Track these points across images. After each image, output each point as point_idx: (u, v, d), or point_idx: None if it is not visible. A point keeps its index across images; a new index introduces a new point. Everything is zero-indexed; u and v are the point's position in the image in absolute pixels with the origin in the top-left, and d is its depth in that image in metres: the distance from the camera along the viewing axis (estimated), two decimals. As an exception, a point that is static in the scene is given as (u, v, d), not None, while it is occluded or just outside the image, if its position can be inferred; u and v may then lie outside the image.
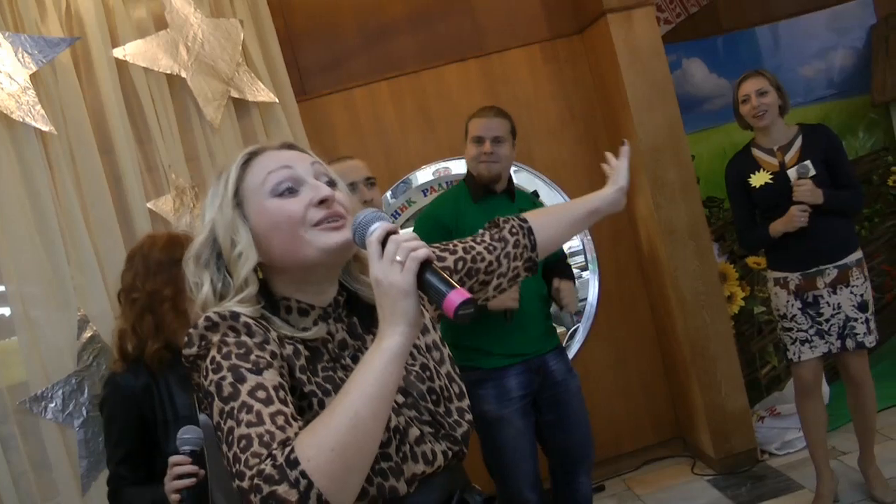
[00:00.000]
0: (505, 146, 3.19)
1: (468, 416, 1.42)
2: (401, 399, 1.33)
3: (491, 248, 1.60)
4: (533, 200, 3.50)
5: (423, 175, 4.37)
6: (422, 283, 1.17)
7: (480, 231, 1.69)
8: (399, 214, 4.48)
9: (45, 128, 3.10)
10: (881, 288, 4.81)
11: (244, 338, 1.22)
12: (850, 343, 3.38)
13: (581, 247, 4.42)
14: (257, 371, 1.18)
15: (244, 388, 1.16)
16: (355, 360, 1.35)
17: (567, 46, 4.34)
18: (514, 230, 1.66)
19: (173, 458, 2.03)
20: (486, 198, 3.22)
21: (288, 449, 1.08)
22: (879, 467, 3.51)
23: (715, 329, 4.05)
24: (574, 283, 3.34)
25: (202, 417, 1.32)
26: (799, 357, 3.42)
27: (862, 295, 3.39)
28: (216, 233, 1.34)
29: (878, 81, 4.74)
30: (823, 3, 4.81)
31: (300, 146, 1.42)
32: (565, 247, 3.73)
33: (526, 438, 3.15)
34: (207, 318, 1.24)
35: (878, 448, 3.58)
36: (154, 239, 2.39)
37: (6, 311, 3.11)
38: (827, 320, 3.38)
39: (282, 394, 1.18)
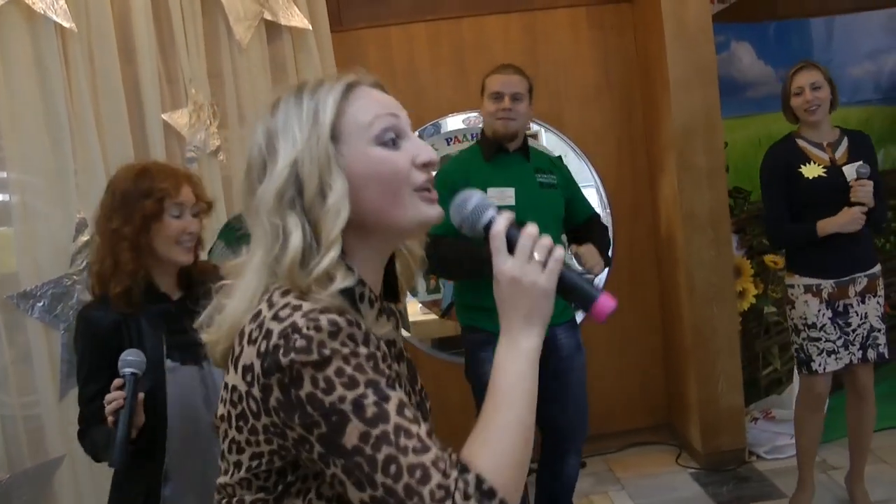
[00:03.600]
0: (523, 104, 3.12)
1: None
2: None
3: None
4: (553, 162, 3.40)
5: (454, 122, 4.27)
6: (563, 285, 1.10)
7: None
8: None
9: (66, 24, 3.01)
10: (897, 306, 4.68)
11: (362, 348, 1.02)
12: (871, 354, 3.29)
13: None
14: (393, 386, 1.03)
15: (391, 408, 1.00)
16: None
17: (615, 13, 4.21)
18: None
19: (115, 382, 1.94)
20: (498, 156, 3.16)
21: (472, 477, 0.99)
22: (867, 488, 3.43)
23: (721, 322, 3.96)
24: (604, 244, 3.25)
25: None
26: (824, 369, 3.29)
27: (883, 306, 3.30)
28: (301, 172, 1.08)
29: (929, 92, 4.55)
30: (884, 3, 4.61)
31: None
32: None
33: None
34: (333, 323, 1.01)
35: (870, 468, 3.50)
36: (127, 169, 2.22)
37: (6, 197, 3.05)
38: (854, 330, 3.28)
39: (413, 411, 1.04)
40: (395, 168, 1.11)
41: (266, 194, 1.09)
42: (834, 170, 3.21)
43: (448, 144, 4.27)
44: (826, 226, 3.19)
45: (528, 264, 1.08)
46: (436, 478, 0.97)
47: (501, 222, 1.11)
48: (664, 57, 3.84)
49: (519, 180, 3.12)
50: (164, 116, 3.29)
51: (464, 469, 0.99)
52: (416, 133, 4.15)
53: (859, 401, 3.39)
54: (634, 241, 4.31)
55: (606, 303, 1.08)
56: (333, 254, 1.06)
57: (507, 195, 3.07)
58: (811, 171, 3.23)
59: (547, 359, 3.11)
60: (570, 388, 3.17)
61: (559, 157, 3.64)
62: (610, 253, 3.54)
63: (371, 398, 0.99)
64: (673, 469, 4.09)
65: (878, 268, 3.30)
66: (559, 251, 1.10)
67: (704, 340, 3.99)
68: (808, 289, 3.31)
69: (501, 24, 4.18)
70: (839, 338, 3.27)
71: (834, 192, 3.18)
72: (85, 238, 3.05)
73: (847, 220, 3.16)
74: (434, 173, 1.16)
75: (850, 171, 3.17)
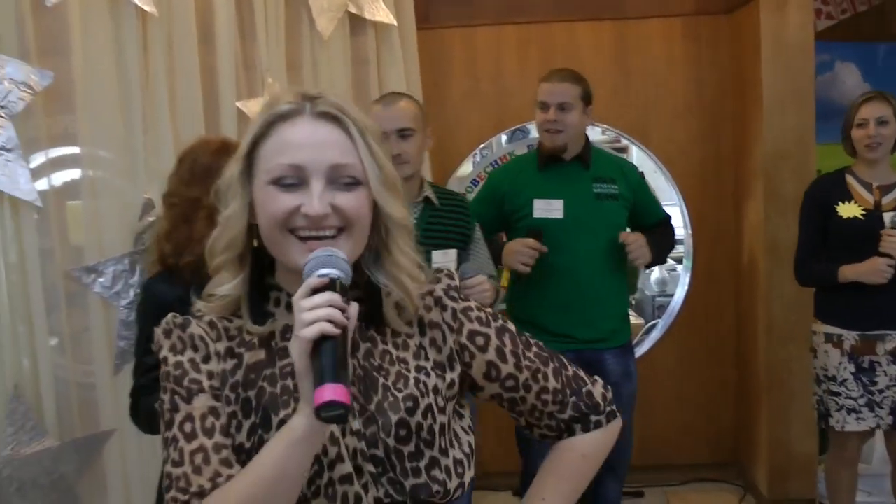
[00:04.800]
0: (572, 113, 2.94)
1: (446, 480, 1.19)
2: (355, 425, 1.14)
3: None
4: (621, 168, 3.16)
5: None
6: (315, 357, 1.01)
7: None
8: (498, 164, 4.31)
9: (147, 8, 3.04)
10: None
11: (181, 357, 1.17)
12: None
13: (681, 237, 4.14)
14: (188, 398, 1.14)
15: (177, 419, 1.14)
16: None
17: (711, 25, 4.01)
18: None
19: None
20: (552, 166, 3.02)
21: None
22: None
23: (799, 364, 3.71)
24: (661, 241, 3.12)
25: None
26: (843, 427, 3.07)
27: None
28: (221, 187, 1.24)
29: None
30: None
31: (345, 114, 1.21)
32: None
33: None
34: (167, 322, 1.20)
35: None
36: (207, 143, 2.24)
37: (77, 172, 3.11)
38: (881, 391, 3.02)
39: (210, 421, 1.14)
40: (275, 210, 1.14)
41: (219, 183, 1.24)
42: (873, 214, 2.96)
43: (528, 150, 4.15)
44: (847, 272, 2.97)
45: (294, 338, 1.04)
46: (173, 492, 1.10)
47: (299, 292, 1.08)
48: (759, 74, 3.64)
49: (571, 191, 2.99)
50: (238, 104, 3.31)
51: (199, 496, 1.09)
52: (503, 136, 4.11)
53: None
54: (714, 266, 4.10)
55: (323, 394, 0.98)
56: (221, 258, 1.19)
57: (555, 207, 2.95)
58: (848, 210, 3.01)
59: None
60: None
61: (630, 165, 3.42)
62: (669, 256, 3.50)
63: (167, 405, 1.15)
64: (734, 511, 3.88)
65: None
66: (312, 329, 1.01)
67: (780, 380, 3.75)
68: (829, 338, 3.09)
69: (592, 30, 4.04)
70: (862, 396, 3.03)
71: (868, 237, 2.94)
72: (151, 219, 3.10)
73: (868, 270, 2.92)
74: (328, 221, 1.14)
75: (889, 218, 2.92)
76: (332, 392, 0.97)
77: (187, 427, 1.12)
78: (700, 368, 4.15)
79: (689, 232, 4.10)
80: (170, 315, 1.21)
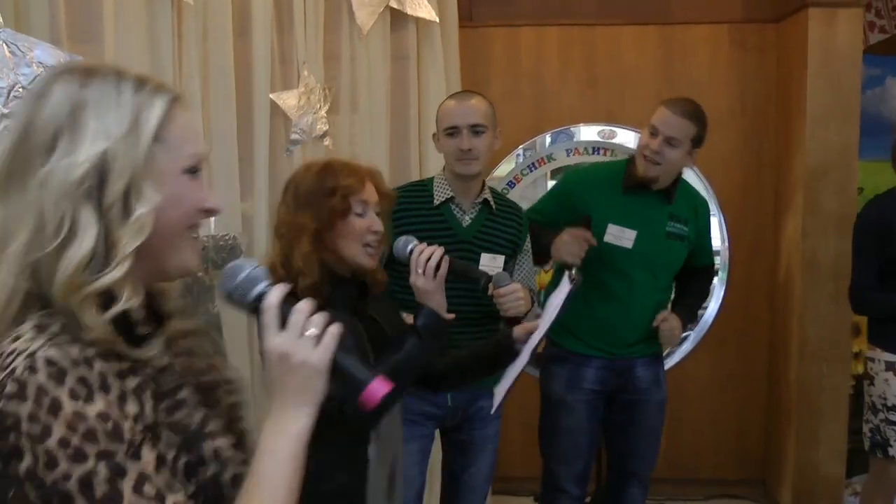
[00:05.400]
0: (677, 151, 2.78)
1: None
2: None
3: None
4: (696, 210, 3.05)
5: (588, 132, 4.06)
6: (333, 365, 1.02)
7: None
8: (535, 168, 4.26)
9: (182, -2, 3.07)
10: None
11: (99, 401, 0.88)
12: None
13: (717, 249, 4.05)
14: (135, 453, 0.90)
15: (126, 488, 0.87)
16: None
17: (758, 33, 3.92)
18: None
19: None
20: (635, 191, 2.87)
21: None
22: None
23: (831, 383, 3.63)
24: (696, 302, 3.16)
25: None
26: None
27: None
28: (108, 167, 0.94)
29: None
30: None
31: None
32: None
33: (585, 432, 2.95)
34: (50, 362, 0.87)
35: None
36: (307, 167, 2.15)
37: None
38: None
39: (163, 470, 0.93)
40: (189, 202, 1.01)
41: (60, 172, 0.93)
42: None
43: (567, 155, 4.10)
44: None
45: (300, 340, 1.00)
46: None
47: (274, 295, 1.03)
48: (804, 86, 3.55)
49: (647, 224, 2.87)
50: (271, 96, 3.31)
51: None
52: (548, 137, 4.05)
53: None
54: (751, 281, 4.02)
55: (377, 389, 1.00)
56: (120, 271, 0.93)
57: (627, 237, 2.85)
58: None
59: (621, 391, 2.91)
60: (642, 422, 2.98)
61: (705, 205, 3.23)
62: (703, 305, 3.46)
63: (103, 475, 0.86)
64: (756, 530, 3.80)
65: None
66: (335, 328, 1.01)
67: (810, 399, 3.67)
68: (889, 366, 2.98)
69: (636, 35, 3.98)
70: None
71: None
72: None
73: None
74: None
75: None
76: (384, 384, 1.02)
77: (148, 490, 0.89)
78: (731, 383, 4.07)
79: (726, 245, 4.01)
80: (50, 353, 0.90)
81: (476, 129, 2.56)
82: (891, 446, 3.01)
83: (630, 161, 2.94)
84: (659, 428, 3.06)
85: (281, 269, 2.06)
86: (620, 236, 2.86)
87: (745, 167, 3.97)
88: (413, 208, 2.56)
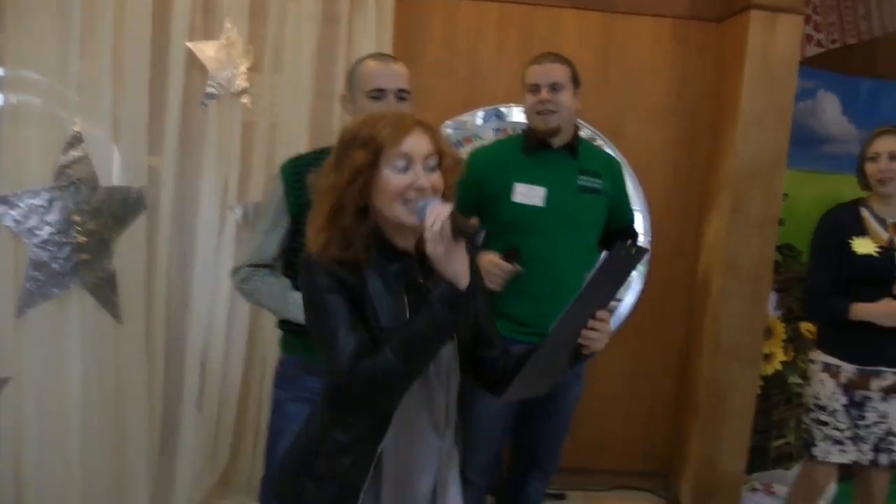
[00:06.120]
0: (564, 94, 2.83)
1: None
2: None
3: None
4: (609, 165, 3.04)
5: (520, 114, 3.97)
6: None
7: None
8: (462, 145, 4.16)
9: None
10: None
11: None
12: (883, 459, 3.02)
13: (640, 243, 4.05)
14: None
15: None
16: None
17: (701, 31, 3.90)
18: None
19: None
20: (539, 152, 2.88)
21: None
22: None
23: (740, 382, 3.68)
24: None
25: None
26: (825, 457, 3.07)
27: None
28: None
29: None
30: None
31: None
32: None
33: (500, 421, 2.90)
34: None
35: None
36: (357, 118, 1.87)
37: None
38: (868, 427, 3.01)
39: None
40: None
41: None
42: (888, 253, 2.92)
43: (494, 135, 4.01)
44: (859, 311, 2.94)
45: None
46: None
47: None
48: (740, 88, 3.55)
49: (555, 180, 2.85)
50: (189, 45, 3.12)
51: None
52: (479, 114, 3.93)
53: None
54: (670, 277, 4.03)
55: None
56: None
57: (536, 194, 2.81)
58: (862, 246, 2.96)
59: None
60: (553, 417, 2.96)
61: (618, 163, 3.26)
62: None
63: None
64: (655, 523, 3.84)
65: None
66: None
67: (718, 397, 3.71)
68: (826, 367, 3.07)
69: (578, 19, 3.89)
70: (849, 429, 3.02)
71: (881, 276, 2.91)
72: (78, 154, 2.91)
73: (881, 313, 2.91)
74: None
75: None
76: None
77: None
78: (642, 377, 4.09)
79: (650, 239, 4.02)
80: None
81: (402, 95, 2.46)
82: (815, 446, 3.08)
83: (526, 128, 2.97)
84: (568, 424, 3.05)
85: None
86: (530, 194, 2.82)
87: (675, 164, 3.97)
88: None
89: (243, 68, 3.23)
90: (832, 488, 3.67)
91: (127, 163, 3.05)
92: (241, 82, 3.22)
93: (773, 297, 3.79)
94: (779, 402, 4.04)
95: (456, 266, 1.56)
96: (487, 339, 1.86)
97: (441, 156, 1.71)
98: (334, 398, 1.69)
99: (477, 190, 2.83)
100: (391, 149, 1.65)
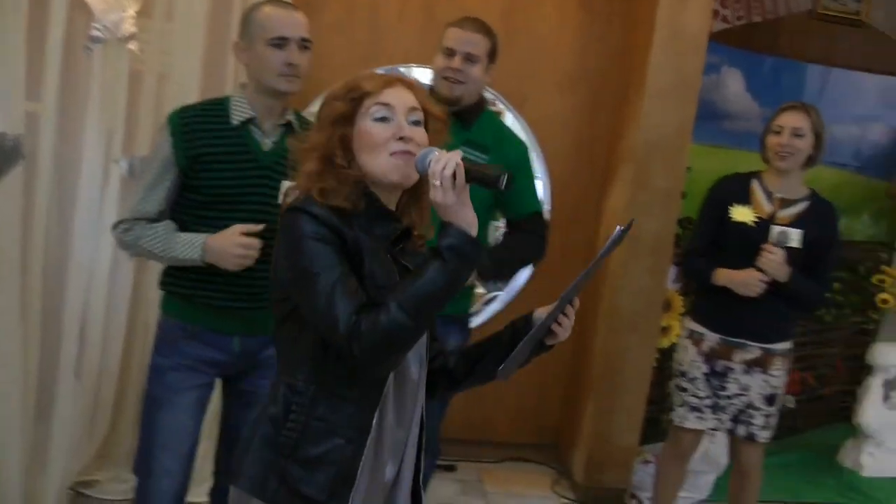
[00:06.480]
0: (477, 67, 2.71)
1: None
2: None
3: None
4: (504, 141, 2.86)
5: (420, 75, 3.82)
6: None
7: None
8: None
9: None
10: (823, 379, 4.52)
11: None
12: (741, 430, 3.08)
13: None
14: None
15: None
16: None
17: (608, 1, 3.85)
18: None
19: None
20: None
21: None
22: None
23: (636, 355, 3.70)
24: (496, 270, 2.86)
25: None
26: (681, 423, 3.13)
27: (776, 387, 3.05)
28: None
29: (904, 173, 4.37)
30: (888, 69, 4.36)
31: None
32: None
33: None
34: None
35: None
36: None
37: None
38: (728, 398, 3.06)
39: None
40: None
41: None
42: (764, 225, 2.95)
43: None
44: (721, 277, 2.99)
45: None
46: None
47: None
48: (647, 61, 3.52)
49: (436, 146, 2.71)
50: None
51: None
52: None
53: (742, 477, 3.20)
54: (568, 247, 3.96)
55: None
56: None
57: None
58: (741, 214, 2.98)
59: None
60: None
61: (516, 140, 3.11)
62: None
63: None
64: (546, 494, 3.83)
65: (780, 346, 3.04)
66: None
67: (613, 370, 3.72)
68: (690, 334, 3.13)
69: (484, -19, 3.78)
70: (708, 398, 3.08)
71: (752, 246, 2.93)
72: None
73: (741, 281, 2.94)
74: None
75: (774, 233, 2.91)
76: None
77: None
78: (537, 348, 4.05)
79: (549, 207, 3.97)
80: None
81: (305, 45, 2.30)
82: (674, 410, 3.15)
83: (428, 90, 2.73)
84: (445, 409, 2.93)
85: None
86: None
87: (579, 132, 3.93)
88: (209, 128, 2.25)
89: (132, 12, 3.01)
90: (701, 450, 3.73)
91: (1, 107, 2.78)
92: (128, 27, 2.99)
93: (672, 270, 3.80)
94: (673, 375, 4.08)
95: (467, 214, 1.48)
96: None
97: (427, 114, 1.62)
98: (324, 364, 1.54)
99: None
100: (371, 99, 1.57)
